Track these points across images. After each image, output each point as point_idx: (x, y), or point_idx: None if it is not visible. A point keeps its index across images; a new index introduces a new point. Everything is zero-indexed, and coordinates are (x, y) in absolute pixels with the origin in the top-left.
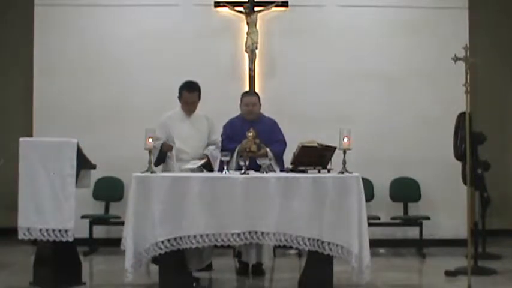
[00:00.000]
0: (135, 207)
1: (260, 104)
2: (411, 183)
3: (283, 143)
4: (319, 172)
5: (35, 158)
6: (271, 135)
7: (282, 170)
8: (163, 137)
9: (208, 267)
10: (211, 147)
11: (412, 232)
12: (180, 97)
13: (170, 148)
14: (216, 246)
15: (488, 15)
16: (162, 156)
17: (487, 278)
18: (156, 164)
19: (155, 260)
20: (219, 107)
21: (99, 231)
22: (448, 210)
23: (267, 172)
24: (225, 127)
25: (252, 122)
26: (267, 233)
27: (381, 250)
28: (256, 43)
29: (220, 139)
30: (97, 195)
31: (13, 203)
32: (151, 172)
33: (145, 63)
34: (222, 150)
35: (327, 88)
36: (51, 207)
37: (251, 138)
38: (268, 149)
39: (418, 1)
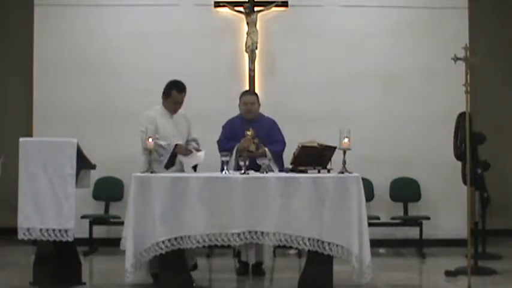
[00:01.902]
0: (135, 207)
1: (259, 104)
2: (411, 183)
3: (282, 143)
4: (319, 172)
5: (35, 158)
6: (270, 134)
7: (281, 170)
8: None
9: (194, 267)
10: (193, 143)
11: (412, 232)
12: (168, 96)
13: (185, 151)
14: (216, 246)
15: (488, 15)
16: (173, 159)
17: (487, 278)
18: (167, 167)
19: (154, 275)
20: (219, 107)
21: (99, 231)
22: (448, 210)
23: (266, 172)
24: (224, 127)
25: (252, 122)
26: (267, 233)
27: (381, 250)
28: (256, 43)
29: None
30: (97, 195)
31: (13, 203)
32: (151, 172)
33: (146, 62)
34: (221, 150)
35: (327, 88)
36: (51, 207)
37: (250, 137)
38: (266, 149)
39: (418, 1)
